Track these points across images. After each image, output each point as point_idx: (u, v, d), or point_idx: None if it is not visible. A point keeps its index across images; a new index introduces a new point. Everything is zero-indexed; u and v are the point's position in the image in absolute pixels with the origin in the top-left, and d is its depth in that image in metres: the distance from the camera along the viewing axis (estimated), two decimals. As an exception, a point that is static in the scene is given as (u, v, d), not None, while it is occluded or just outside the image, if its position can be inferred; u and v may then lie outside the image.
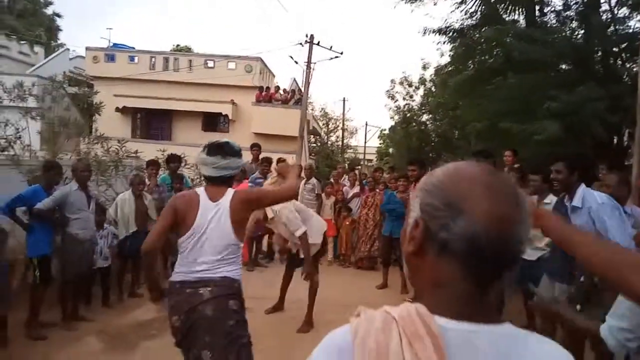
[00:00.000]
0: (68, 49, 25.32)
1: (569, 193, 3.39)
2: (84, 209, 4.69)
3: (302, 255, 4.89)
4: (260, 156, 8.13)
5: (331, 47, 17.58)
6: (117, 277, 5.70)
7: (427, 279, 0.75)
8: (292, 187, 2.79)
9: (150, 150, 9.34)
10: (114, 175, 7.65)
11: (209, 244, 2.48)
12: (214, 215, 2.49)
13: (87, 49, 21.17)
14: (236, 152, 2.65)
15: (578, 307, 3.12)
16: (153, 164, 6.70)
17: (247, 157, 8.38)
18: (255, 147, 8.45)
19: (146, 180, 6.28)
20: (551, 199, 4.30)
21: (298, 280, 5.16)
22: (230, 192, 2.57)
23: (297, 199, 2.70)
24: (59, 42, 32.37)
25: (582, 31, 8.68)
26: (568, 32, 8.78)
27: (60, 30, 33.56)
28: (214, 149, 2.58)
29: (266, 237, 7.71)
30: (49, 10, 32.14)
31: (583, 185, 3.32)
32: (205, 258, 2.48)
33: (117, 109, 19.60)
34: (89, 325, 4.76)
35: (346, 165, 16.31)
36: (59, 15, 32.44)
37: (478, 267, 0.71)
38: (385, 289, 6.60)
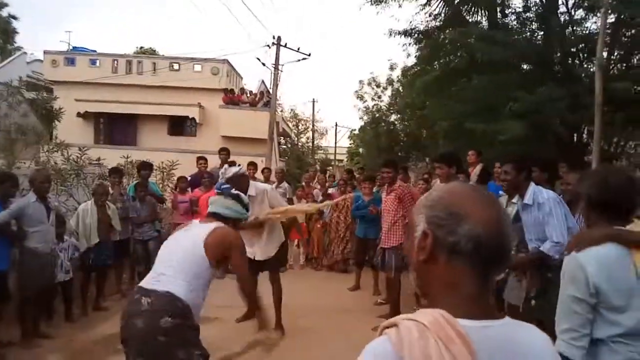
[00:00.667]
0: (25, 53, 24.28)
1: (520, 193, 3.50)
2: (43, 222, 4.48)
3: (257, 258, 4.82)
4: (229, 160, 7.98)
5: (299, 49, 17.53)
6: (80, 290, 5.48)
7: (439, 283, 0.88)
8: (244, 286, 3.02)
9: (114, 156, 9.05)
10: (75, 184, 7.38)
11: (175, 252, 2.51)
12: (194, 230, 2.60)
13: (46, 52, 20.34)
14: (241, 201, 2.89)
15: (533, 302, 3.24)
16: (116, 172, 6.48)
17: (215, 162, 8.31)
18: (224, 152, 8.30)
19: (109, 189, 6.07)
20: (517, 198, 4.40)
21: (265, 287, 5.09)
22: (220, 223, 2.69)
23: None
24: (15, 45, 31.06)
25: (542, 32, 8.95)
26: (528, 33, 9.03)
27: (17, 33, 32.16)
28: (222, 191, 2.90)
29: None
30: (4, 12, 30.81)
31: (533, 184, 3.46)
32: (165, 265, 2.49)
33: (79, 114, 18.94)
34: (52, 342, 4.55)
35: (317, 167, 16.32)
36: (15, 18, 31.08)
37: (482, 262, 0.85)
38: (357, 290, 6.60)
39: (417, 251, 0.90)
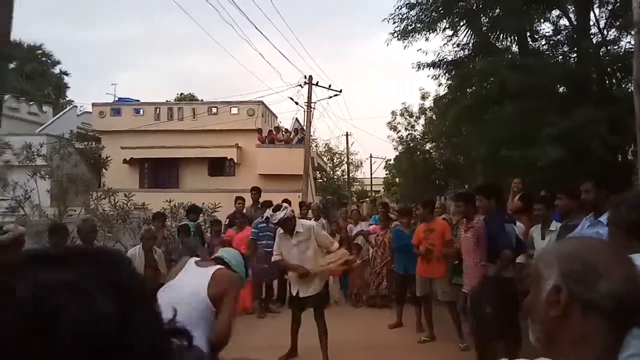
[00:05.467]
0: (75, 106, 25.98)
1: (598, 212, 3.24)
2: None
3: (301, 295, 4.91)
4: (261, 199, 8.12)
5: (330, 86, 17.93)
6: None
7: (569, 338, 0.86)
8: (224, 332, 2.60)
9: (157, 200, 9.45)
10: (121, 229, 7.72)
11: (179, 302, 2.40)
12: (195, 274, 2.51)
13: (94, 105, 21.73)
14: (247, 265, 2.81)
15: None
16: (159, 217, 6.74)
17: (248, 199, 8.48)
18: (254, 191, 8.46)
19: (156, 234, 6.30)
20: (555, 225, 4.30)
21: (308, 326, 5.08)
22: (218, 266, 2.58)
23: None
24: (67, 99, 33.25)
25: (575, 55, 8.81)
26: (560, 56, 8.90)
27: (68, 87, 34.48)
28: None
29: (276, 281, 7.63)
30: (56, 70, 33.19)
31: None
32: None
33: (125, 161, 19.90)
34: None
35: (352, 200, 16.28)
36: (66, 74, 33.39)
37: (622, 321, 0.84)
38: (399, 328, 6.45)
39: (546, 305, 0.88)
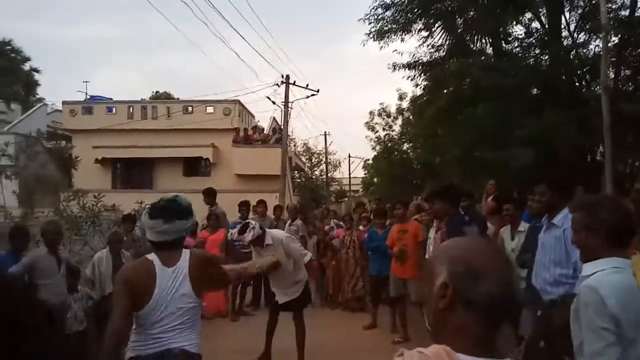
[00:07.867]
0: (46, 104, 25.25)
1: (552, 214, 3.25)
2: (53, 275, 4.52)
3: (279, 301, 4.87)
4: (237, 200, 7.94)
5: (307, 86, 17.89)
6: (95, 341, 5.45)
7: (451, 326, 0.99)
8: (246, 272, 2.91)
9: (130, 201, 9.18)
10: (90, 231, 7.49)
11: (170, 312, 2.33)
12: (173, 282, 2.33)
13: (64, 103, 21.15)
14: (182, 212, 2.39)
15: (542, 343, 2.96)
16: (128, 219, 6.55)
17: (224, 199, 8.26)
18: (206, 194, 8.17)
19: (124, 236, 6.12)
20: (524, 226, 4.32)
21: (284, 329, 5.01)
22: (186, 253, 2.41)
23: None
24: (37, 97, 32.29)
25: (546, 57, 8.96)
26: (532, 59, 9.03)
27: (39, 85, 33.51)
28: (155, 211, 2.36)
29: (252, 283, 7.53)
30: (26, 66, 32.21)
31: (567, 208, 3.25)
32: (165, 327, 2.31)
33: (97, 161, 19.45)
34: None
35: (331, 199, 16.25)
36: (37, 71, 32.39)
37: (495, 316, 0.98)
38: (374, 329, 6.42)
39: (436, 298, 1.01)
